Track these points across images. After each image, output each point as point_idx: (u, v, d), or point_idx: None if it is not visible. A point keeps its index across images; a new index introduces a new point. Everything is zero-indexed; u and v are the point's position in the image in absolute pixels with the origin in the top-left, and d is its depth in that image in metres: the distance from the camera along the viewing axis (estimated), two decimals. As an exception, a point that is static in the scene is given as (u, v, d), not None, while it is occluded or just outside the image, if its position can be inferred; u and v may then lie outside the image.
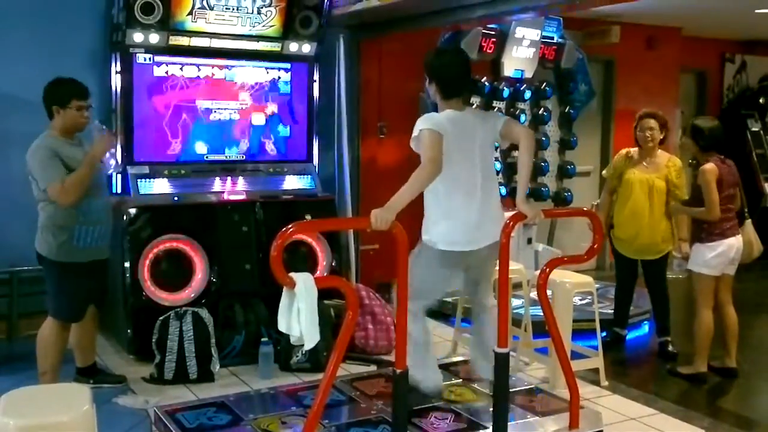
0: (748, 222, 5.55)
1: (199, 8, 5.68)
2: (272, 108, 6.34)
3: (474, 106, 7.16)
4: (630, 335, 6.28)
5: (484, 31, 7.06)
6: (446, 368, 4.99)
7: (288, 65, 6.29)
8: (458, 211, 3.99)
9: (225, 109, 6.07)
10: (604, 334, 5.58)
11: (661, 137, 5.78)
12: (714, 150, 5.34)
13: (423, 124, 3.88)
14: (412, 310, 3.94)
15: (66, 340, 4.71)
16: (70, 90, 4.61)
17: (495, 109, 7.46)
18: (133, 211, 5.43)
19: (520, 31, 7.33)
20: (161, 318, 5.05)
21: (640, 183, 5.74)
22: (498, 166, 7.32)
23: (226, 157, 6.09)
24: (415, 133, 3.91)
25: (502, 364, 3.71)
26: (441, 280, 4.21)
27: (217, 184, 5.92)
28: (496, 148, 7.26)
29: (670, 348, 5.79)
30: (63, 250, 4.50)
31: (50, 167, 4.39)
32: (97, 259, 4.66)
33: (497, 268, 3.89)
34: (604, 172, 6.28)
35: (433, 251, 4.04)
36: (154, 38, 5.61)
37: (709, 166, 5.21)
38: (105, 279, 4.92)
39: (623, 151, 5.98)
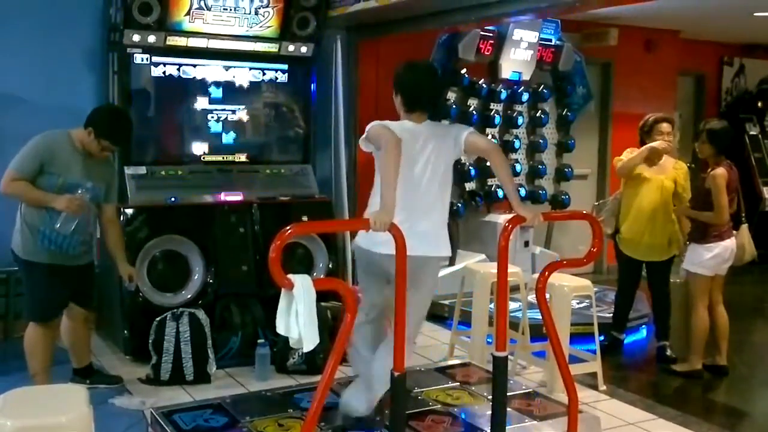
0: (744, 227, 5.61)
1: (196, 9, 5.67)
2: (269, 109, 6.33)
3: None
4: (628, 339, 6.26)
5: (482, 32, 7.06)
6: (443, 371, 4.99)
7: (285, 66, 6.27)
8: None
9: (222, 110, 6.05)
10: (602, 338, 5.58)
11: None
12: (724, 153, 5.42)
13: (373, 123, 3.78)
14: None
15: (52, 340, 4.66)
16: (115, 134, 4.60)
17: (492, 112, 7.46)
18: (129, 211, 5.41)
19: (518, 34, 7.34)
20: (158, 319, 5.03)
21: (649, 183, 5.67)
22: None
23: (223, 158, 6.06)
24: (363, 136, 3.81)
25: (500, 367, 3.69)
26: (365, 288, 4.08)
27: (214, 186, 5.88)
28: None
29: (669, 352, 5.77)
30: (29, 249, 4.47)
31: (27, 159, 4.38)
32: (69, 265, 4.55)
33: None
34: (621, 156, 5.84)
35: (357, 252, 3.98)
36: (152, 38, 5.59)
37: (721, 171, 5.29)
38: (86, 284, 4.80)
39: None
